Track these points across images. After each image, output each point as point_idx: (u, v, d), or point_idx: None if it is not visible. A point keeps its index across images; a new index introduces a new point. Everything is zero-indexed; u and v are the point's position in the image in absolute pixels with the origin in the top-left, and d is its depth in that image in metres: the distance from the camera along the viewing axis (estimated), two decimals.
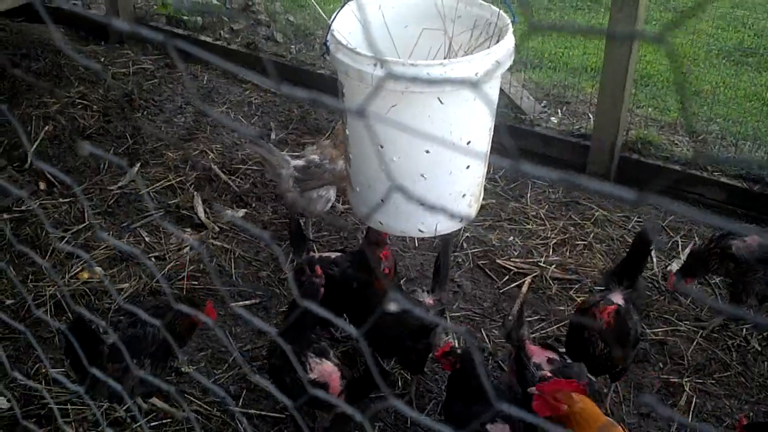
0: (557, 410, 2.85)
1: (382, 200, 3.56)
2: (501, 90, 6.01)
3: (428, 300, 3.90)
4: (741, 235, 4.16)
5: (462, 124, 3.39)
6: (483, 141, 3.61)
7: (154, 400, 3.85)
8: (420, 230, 3.69)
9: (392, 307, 3.65)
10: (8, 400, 3.85)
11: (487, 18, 3.74)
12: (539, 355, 3.56)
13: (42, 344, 4.21)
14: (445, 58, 3.84)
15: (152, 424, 3.81)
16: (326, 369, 3.56)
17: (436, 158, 3.43)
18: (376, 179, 3.59)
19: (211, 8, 7.76)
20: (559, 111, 6.25)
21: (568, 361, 3.56)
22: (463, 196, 3.64)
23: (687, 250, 4.68)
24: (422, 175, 3.44)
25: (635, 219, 5.22)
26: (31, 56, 6.84)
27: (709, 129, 5.99)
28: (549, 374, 3.39)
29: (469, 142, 3.48)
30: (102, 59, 7.03)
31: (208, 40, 7.27)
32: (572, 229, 5.14)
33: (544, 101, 6.37)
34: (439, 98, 3.24)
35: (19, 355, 4.16)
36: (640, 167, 5.57)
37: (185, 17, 7.53)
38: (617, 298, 3.66)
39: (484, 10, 3.82)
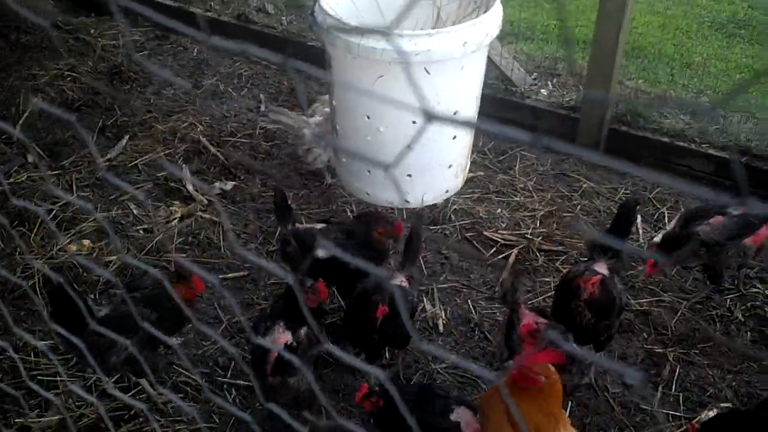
0: (535, 383, 2.87)
1: (368, 171, 3.57)
2: (491, 62, 6.02)
3: (401, 278, 3.85)
4: (703, 219, 4.13)
5: (449, 94, 3.39)
6: (470, 111, 3.61)
7: (142, 382, 3.85)
8: (406, 200, 3.71)
9: (320, 253, 3.58)
10: None
11: None
12: (528, 319, 3.60)
13: (31, 317, 4.23)
14: (433, 28, 3.82)
15: (140, 396, 3.85)
16: (277, 339, 3.45)
17: (422, 129, 3.43)
18: (362, 149, 3.60)
19: None
20: (549, 83, 6.24)
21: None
22: (450, 166, 3.66)
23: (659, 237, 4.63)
24: (409, 146, 3.45)
25: (622, 191, 5.24)
26: (21, 29, 6.80)
27: (698, 101, 5.99)
28: (534, 326, 3.42)
29: (456, 112, 3.49)
30: (92, 31, 7.00)
31: (199, 11, 7.23)
32: (560, 201, 5.15)
33: (535, 73, 6.35)
34: (426, 68, 3.24)
35: (7, 327, 4.18)
36: (629, 139, 5.57)
37: None
38: (601, 268, 3.69)
39: None
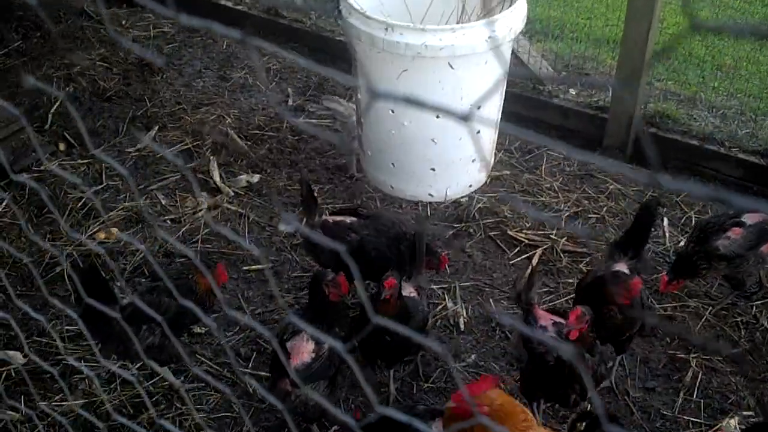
0: (469, 414, 2.82)
1: (393, 164, 3.58)
2: (520, 60, 6.01)
3: (410, 289, 3.80)
4: (720, 233, 4.07)
5: (473, 90, 3.39)
6: (494, 106, 3.61)
7: (165, 372, 3.90)
8: (430, 194, 3.72)
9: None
10: (24, 355, 3.95)
11: None
12: (545, 319, 3.60)
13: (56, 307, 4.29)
14: (458, 23, 3.83)
15: (163, 384, 3.90)
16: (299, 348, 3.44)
17: (446, 123, 3.44)
18: (387, 143, 3.61)
19: None
20: (578, 83, 6.20)
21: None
22: (473, 161, 3.66)
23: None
24: (433, 140, 3.46)
25: (649, 193, 5.20)
26: (54, 18, 6.88)
27: (728, 104, 5.94)
28: (553, 335, 3.42)
29: (480, 107, 3.49)
30: (123, 22, 7.07)
31: (229, 4, 7.27)
32: (586, 202, 5.13)
33: (564, 72, 6.32)
34: (449, 63, 3.25)
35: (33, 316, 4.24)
36: (657, 141, 5.53)
37: None
38: (622, 268, 3.68)
39: None
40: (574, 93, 6.07)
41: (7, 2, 6.65)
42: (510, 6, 3.41)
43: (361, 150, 3.95)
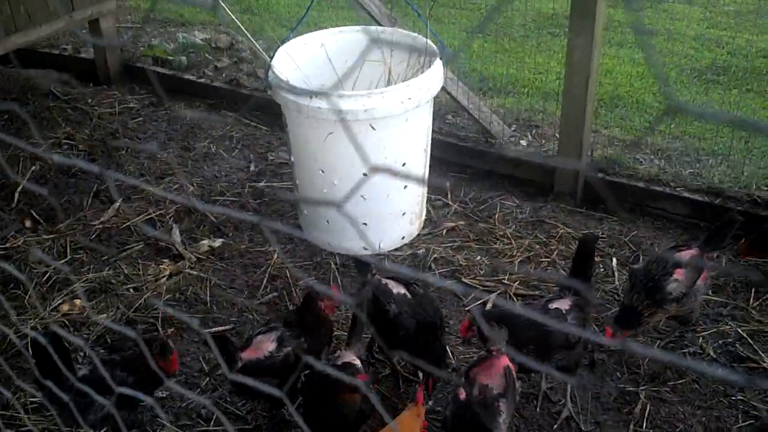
0: None
1: (327, 221, 3.75)
2: (472, 116, 6.24)
3: (350, 356, 3.77)
4: (666, 277, 4.15)
5: (396, 148, 3.60)
6: (419, 162, 3.81)
7: None
8: (364, 248, 3.88)
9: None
10: None
11: (419, 48, 3.96)
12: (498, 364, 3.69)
13: (22, 375, 4.38)
14: (386, 86, 4.05)
15: None
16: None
17: (374, 181, 3.63)
18: (320, 202, 3.80)
19: (197, 47, 8.04)
20: (528, 134, 6.44)
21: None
22: (404, 214, 3.84)
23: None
24: (362, 197, 3.63)
25: (599, 235, 5.37)
26: (21, 100, 7.11)
27: (673, 146, 6.17)
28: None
29: (404, 164, 3.68)
30: (90, 100, 7.29)
31: (192, 78, 7.53)
32: (537, 246, 5.29)
33: (514, 125, 6.56)
34: (371, 125, 3.45)
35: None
36: (604, 185, 5.74)
37: (170, 57, 7.79)
38: (562, 304, 3.84)
39: (416, 41, 4.04)
40: (525, 144, 6.29)
41: None
42: (429, 69, 3.63)
43: (298, 209, 4.13)
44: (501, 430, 3.32)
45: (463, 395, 3.43)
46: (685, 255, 4.29)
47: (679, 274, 4.19)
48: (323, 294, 3.76)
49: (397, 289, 4.05)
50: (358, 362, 3.77)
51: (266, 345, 3.84)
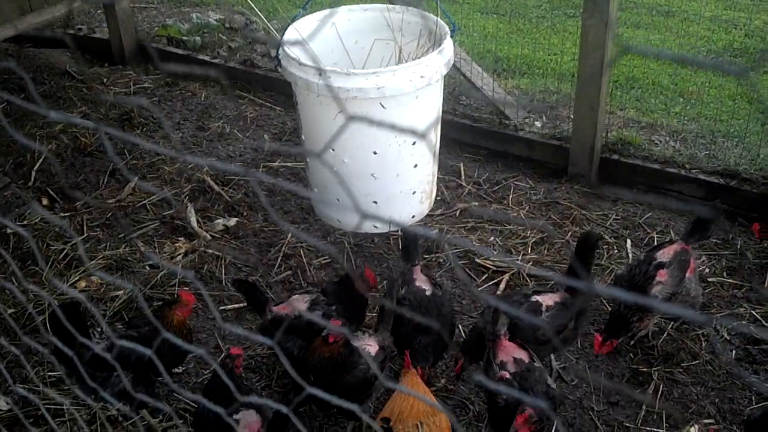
0: None
1: (337, 199, 3.76)
2: (486, 97, 6.23)
3: (369, 342, 3.82)
4: (649, 281, 4.13)
5: (406, 126, 3.60)
6: (429, 141, 3.81)
7: (143, 413, 4.03)
8: (375, 226, 3.89)
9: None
10: (7, 402, 4.08)
11: (430, 27, 3.95)
12: (507, 354, 3.71)
13: (40, 352, 4.44)
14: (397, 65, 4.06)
15: (143, 423, 4.02)
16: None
17: (383, 159, 3.64)
18: (330, 180, 3.81)
19: (210, 28, 8.04)
20: (543, 116, 6.42)
21: (536, 363, 3.69)
22: (414, 193, 3.85)
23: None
24: (372, 175, 3.65)
25: (613, 217, 5.37)
26: (37, 80, 7.14)
27: (688, 128, 6.14)
28: (508, 376, 3.55)
29: (414, 143, 3.68)
30: (105, 80, 7.32)
31: (206, 58, 7.54)
32: (551, 228, 5.30)
33: (529, 107, 6.54)
34: (381, 103, 3.46)
35: (19, 361, 4.38)
36: (620, 167, 5.73)
37: (185, 38, 7.80)
38: (546, 299, 3.86)
39: (427, 20, 4.05)
40: (539, 125, 6.28)
41: None
42: (439, 48, 3.63)
43: (309, 187, 4.16)
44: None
45: (507, 375, 3.51)
46: (668, 252, 4.22)
47: (662, 275, 4.13)
48: (359, 278, 3.84)
49: (423, 284, 4.07)
50: (374, 347, 3.79)
51: (299, 305, 3.95)
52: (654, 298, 4.06)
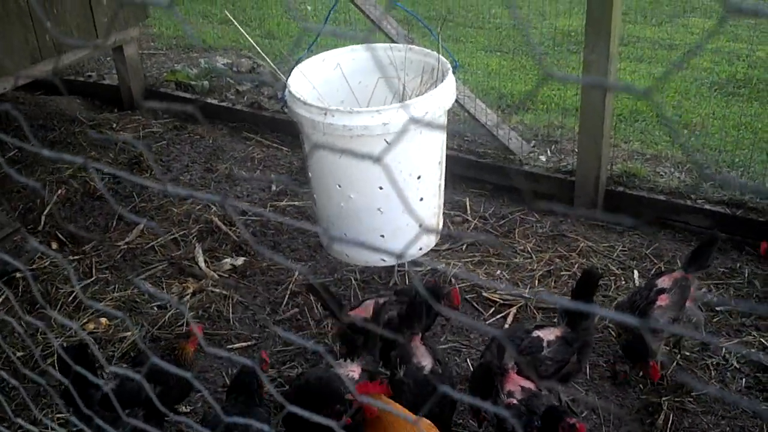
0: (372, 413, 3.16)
1: (345, 234, 3.80)
2: (491, 134, 6.28)
3: (354, 369, 3.86)
4: (650, 306, 4.15)
5: (410, 162, 3.64)
6: (434, 175, 3.85)
7: None
8: (382, 259, 3.92)
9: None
10: None
11: (432, 64, 4.01)
12: (515, 385, 3.71)
13: (48, 395, 4.45)
14: (400, 102, 4.12)
15: None
16: None
17: (389, 193, 3.68)
18: (337, 215, 3.85)
19: (218, 72, 8.17)
20: (548, 150, 6.46)
21: (544, 392, 3.69)
22: (420, 226, 3.87)
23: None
24: (379, 209, 3.68)
25: (620, 248, 5.37)
26: (47, 127, 7.26)
27: (693, 159, 6.16)
28: (515, 402, 3.54)
29: (419, 177, 3.72)
30: (114, 125, 7.42)
31: (214, 102, 7.65)
32: (558, 260, 5.30)
33: (533, 141, 6.58)
34: (385, 140, 3.51)
35: (27, 404, 4.40)
36: (625, 199, 5.74)
37: (193, 82, 7.92)
38: (547, 333, 3.85)
39: (429, 57, 4.11)
40: (544, 159, 6.31)
41: (4, 115, 7.02)
42: (442, 83, 3.70)
43: (317, 223, 4.21)
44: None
45: (514, 401, 3.51)
46: (669, 280, 4.26)
47: (662, 300, 4.16)
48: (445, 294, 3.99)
49: (422, 359, 3.92)
50: (356, 371, 3.83)
51: (371, 309, 4.08)
52: (655, 322, 4.05)
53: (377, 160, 1.37)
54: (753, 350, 4.48)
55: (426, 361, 3.89)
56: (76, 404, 3.50)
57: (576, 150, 6.17)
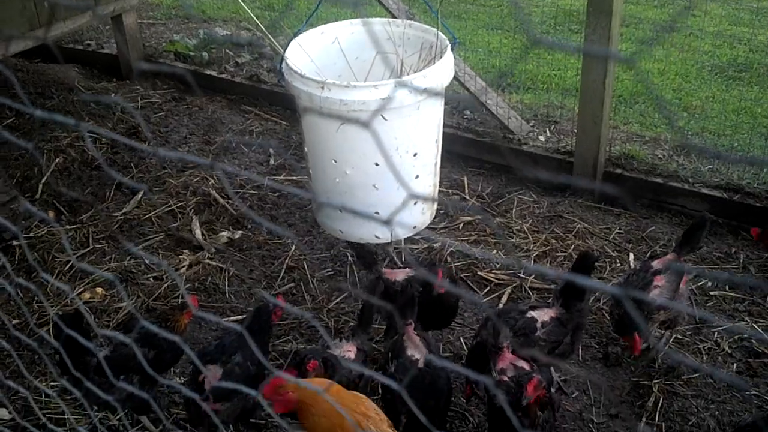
0: (291, 402, 2.96)
1: (340, 210, 3.80)
2: (490, 112, 6.27)
3: (350, 348, 3.86)
4: (647, 286, 4.20)
5: (407, 138, 3.64)
6: (430, 153, 3.85)
7: (144, 419, 4.06)
8: (376, 236, 3.93)
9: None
10: (9, 412, 4.11)
11: (431, 41, 3.99)
12: (506, 362, 3.72)
13: (43, 362, 4.47)
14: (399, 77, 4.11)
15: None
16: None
17: (385, 170, 3.68)
18: (332, 191, 3.85)
19: (218, 43, 8.12)
20: (547, 130, 6.45)
21: (532, 370, 3.69)
22: (415, 203, 3.87)
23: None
24: (374, 186, 3.68)
25: (616, 230, 5.38)
26: (46, 95, 7.22)
27: (691, 142, 6.16)
28: (506, 379, 3.56)
29: (416, 154, 3.72)
30: (112, 95, 7.39)
31: (213, 73, 7.61)
32: (554, 241, 5.31)
33: (533, 121, 6.57)
34: (382, 115, 3.50)
35: (21, 371, 4.41)
36: (623, 181, 5.74)
37: (192, 53, 7.88)
38: (542, 314, 3.87)
39: (428, 33, 4.09)
40: (543, 140, 6.31)
41: (1, 81, 6.99)
42: (440, 60, 3.69)
43: (312, 198, 4.21)
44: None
45: (505, 378, 3.52)
46: (663, 262, 4.30)
47: (659, 280, 4.20)
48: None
49: (415, 352, 3.81)
50: (352, 351, 3.85)
51: (399, 275, 4.26)
52: (652, 302, 4.08)
53: (365, 125, 1.37)
54: (745, 335, 4.50)
55: (419, 354, 3.78)
56: (68, 368, 3.53)
57: (575, 131, 6.16)
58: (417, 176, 3.78)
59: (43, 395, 4.23)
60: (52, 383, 4.32)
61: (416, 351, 3.78)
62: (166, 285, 5.01)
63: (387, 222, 1.49)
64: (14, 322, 4.75)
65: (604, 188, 5.73)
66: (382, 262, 4.42)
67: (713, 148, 6.05)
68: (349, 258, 5.23)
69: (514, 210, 5.67)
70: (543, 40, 1.51)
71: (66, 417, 4.08)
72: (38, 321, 4.75)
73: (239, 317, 4.79)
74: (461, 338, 4.59)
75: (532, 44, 1.30)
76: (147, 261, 5.23)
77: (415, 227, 4.21)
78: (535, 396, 3.38)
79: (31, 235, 5.47)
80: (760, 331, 4.52)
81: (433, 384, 3.65)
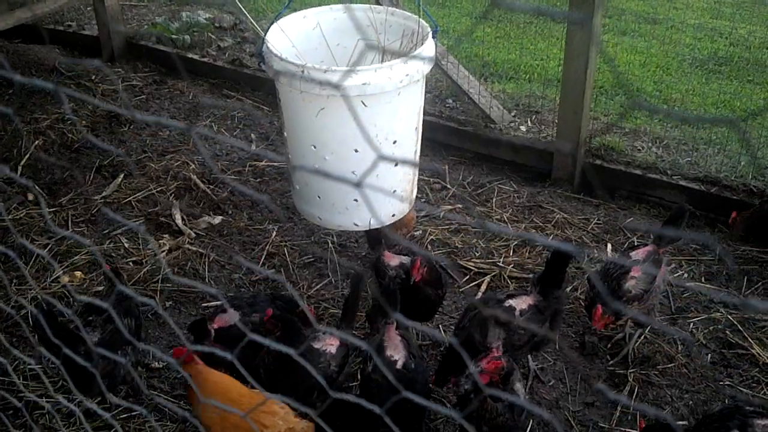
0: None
1: (318, 197, 3.81)
2: (472, 101, 6.28)
3: (332, 342, 3.83)
4: (624, 275, 4.21)
5: (386, 125, 3.65)
6: (410, 140, 3.87)
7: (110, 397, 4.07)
8: (355, 224, 3.94)
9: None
10: None
11: (413, 28, 4.00)
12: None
13: (22, 343, 4.46)
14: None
15: (121, 416, 4.05)
16: None
17: (364, 156, 3.69)
18: (312, 177, 3.85)
19: (200, 26, 8.07)
20: (528, 120, 6.48)
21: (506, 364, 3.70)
22: (394, 191, 3.89)
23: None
24: (353, 173, 3.69)
25: (594, 221, 5.43)
26: (26, 76, 7.15)
27: (671, 135, 6.21)
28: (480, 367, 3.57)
29: (395, 142, 3.73)
30: (93, 77, 7.34)
31: (195, 57, 7.57)
32: (533, 231, 5.35)
33: (514, 111, 6.60)
34: (362, 101, 3.50)
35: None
36: (602, 172, 5.78)
37: (174, 36, 7.83)
38: (520, 302, 3.91)
39: (409, 20, 4.10)
40: (524, 129, 6.34)
41: None
42: (421, 47, 3.71)
43: (291, 185, 4.22)
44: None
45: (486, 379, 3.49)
46: (642, 252, 4.34)
47: (636, 271, 4.22)
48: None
49: (394, 353, 3.75)
50: (334, 344, 3.82)
51: (393, 261, 4.37)
52: (627, 293, 4.12)
53: (336, 86, 1.38)
54: (719, 326, 4.56)
55: (398, 355, 3.72)
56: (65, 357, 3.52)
57: (556, 121, 6.20)
58: (396, 164, 3.80)
59: (20, 378, 4.21)
60: (29, 367, 4.31)
61: (395, 352, 3.74)
62: (145, 270, 5.00)
63: (358, 184, 1.51)
64: None
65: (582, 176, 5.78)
66: (385, 245, 4.47)
67: (692, 141, 6.10)
68: (330, 245, 5.25)
69: (494, 199, 5.70)
70: (502, 3, 1.51)
71: (44, 400, 4.07)
72: (16, 304, 4.72)
73: (219, 302, 4.79)
74: (440, 326, 4.62)
75: (493, 3, 1.31)
76: (127, 246, 5.21)
77: (393, 215, 4.23)
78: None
79: (10, 216, 5.42)
80: (735, 322, 4.58)
81: (410, 387, 3.55)
